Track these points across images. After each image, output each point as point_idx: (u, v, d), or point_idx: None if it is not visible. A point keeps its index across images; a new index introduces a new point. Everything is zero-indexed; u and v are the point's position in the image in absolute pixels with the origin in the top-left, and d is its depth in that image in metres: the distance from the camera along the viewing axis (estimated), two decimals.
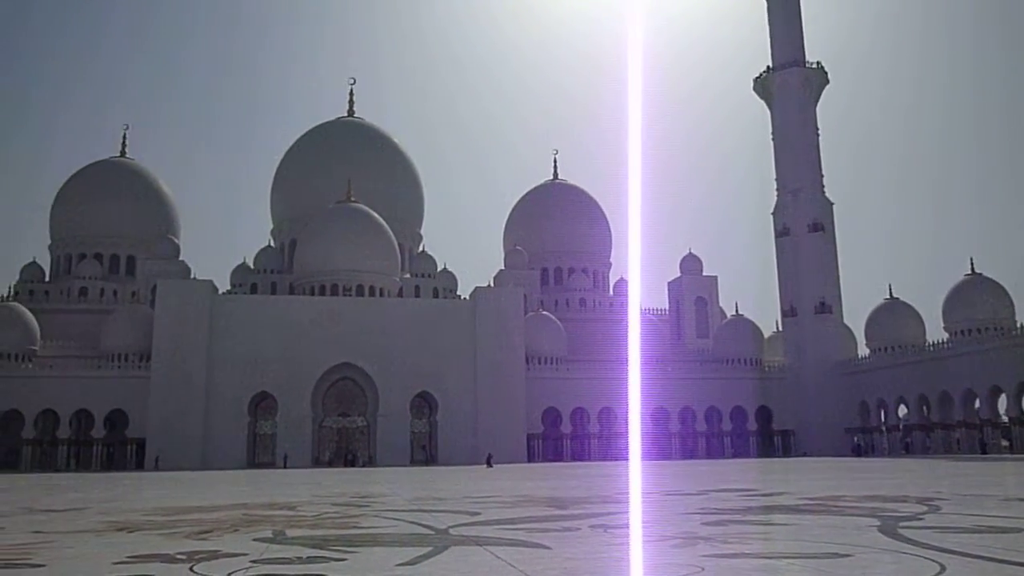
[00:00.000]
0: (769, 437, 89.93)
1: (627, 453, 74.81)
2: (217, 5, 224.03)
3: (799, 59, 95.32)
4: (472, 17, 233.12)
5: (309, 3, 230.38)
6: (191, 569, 7.28)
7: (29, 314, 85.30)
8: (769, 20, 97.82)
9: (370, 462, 78.05)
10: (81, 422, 79.46)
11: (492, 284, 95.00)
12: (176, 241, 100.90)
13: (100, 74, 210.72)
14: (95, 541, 9.93)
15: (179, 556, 8.16)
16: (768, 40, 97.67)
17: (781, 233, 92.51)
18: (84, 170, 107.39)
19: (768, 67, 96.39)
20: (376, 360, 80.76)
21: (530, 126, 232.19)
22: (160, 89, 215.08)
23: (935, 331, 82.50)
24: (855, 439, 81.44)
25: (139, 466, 75.24)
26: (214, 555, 8.25)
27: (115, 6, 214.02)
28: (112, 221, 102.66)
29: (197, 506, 16.56)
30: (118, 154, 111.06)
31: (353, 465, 74.63)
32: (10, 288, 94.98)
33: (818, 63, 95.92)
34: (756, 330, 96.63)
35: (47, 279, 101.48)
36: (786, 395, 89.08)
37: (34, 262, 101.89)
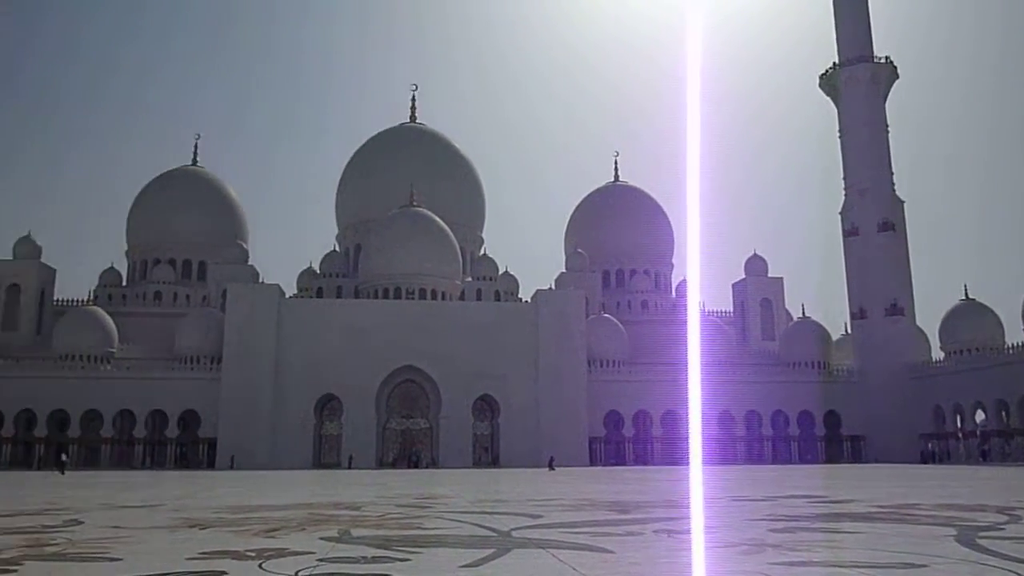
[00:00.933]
0: (838, 443, 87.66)
1: (689, 457, 73.97)
2: (281, 18, 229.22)
3: (867, 54, 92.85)
4: (532, 21, 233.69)
5: (370, 11, 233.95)
6: (260, 566, 7.44)
7: (108, 317, 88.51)
8: (835, 14, 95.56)
9: (433, 464, 78.71)
10: (156, 422, 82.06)
11: (553, 287, 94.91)
12: (245, 246, 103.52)
13: (171, 85, 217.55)
14: (169, 537, 10.23)
15: (248, 553, 8.35)
16: (834, 35, 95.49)
17: (849, 233, 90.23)
18: (158, 179, 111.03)
19: (834, 63, 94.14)
20: (439, 363, 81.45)
21: (591, 128, 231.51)
22: (228, 98, 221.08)
23: (1015, 333, 79.24)
24: (928, 445, 78.85)
25: (210, 465, 77.33)
26: (282, 553, 8.42)
27: (182, 20, 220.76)
28: (184, 227, 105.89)
29: (265, 505, 16.93)
30: (190, 162, 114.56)
31: (416, 466, 75.35)
32: (90, 292, 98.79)
33: (887, 58, 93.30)
34: (824, 332, 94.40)
35: (124, 284, 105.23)
36: (856, 399, 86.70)
37: (112, 267, 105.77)
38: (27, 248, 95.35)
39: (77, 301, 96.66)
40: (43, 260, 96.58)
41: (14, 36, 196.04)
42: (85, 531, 10.91)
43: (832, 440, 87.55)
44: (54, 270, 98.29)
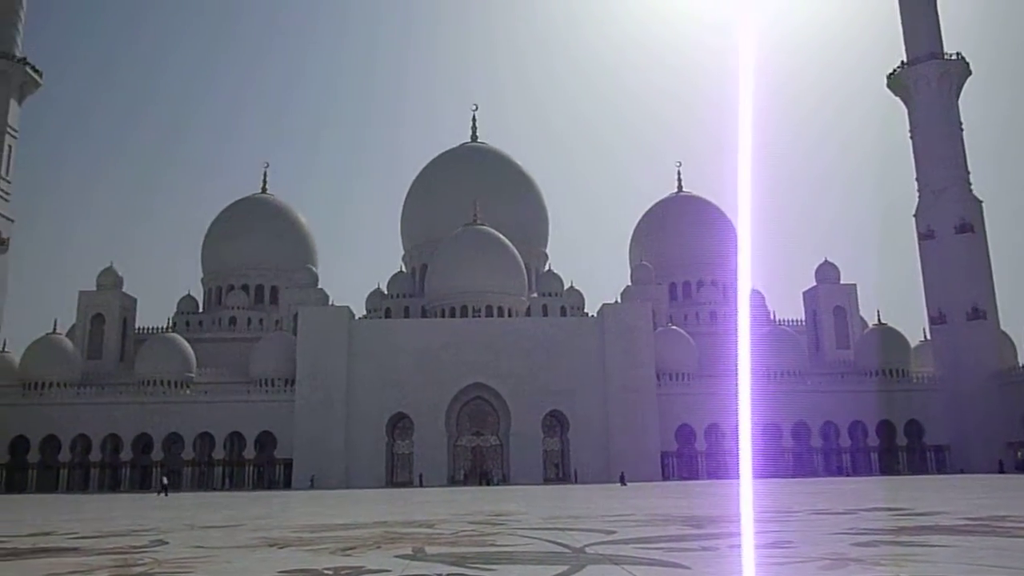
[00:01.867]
0: (921, 453, 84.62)
1: (764, 470, 72.36)
2: (341, 47, 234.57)
3: (936, 51, 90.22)
4: (588, 37, 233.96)
5: (430, 36, 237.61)
6: None
7: (186, 344, 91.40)
8: (901, 11, 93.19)
9: (504, 480, 78.71)
10: (234, 443, 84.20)
11: (619, 300, 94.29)
12: (314, 270, 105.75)
13: (239, 117, 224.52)
14: (249, 556, 10.46)
15: (326, 571, 8.48)
16: (901, 33, 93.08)
17: (925, 236, 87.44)
18: (230, 207, 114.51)
19: (902, 62, 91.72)
20: (507, 380, 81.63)
21: (653, 139, 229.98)
22: (294, 126, 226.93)
23: None
24: (1019, 454, 75.46)
25: (287, 485, 78.85)
26: (359, 571, 8.52)
27: (252, 54, 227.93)
28: (256, 254, 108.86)
29: (341, 524, 17.17)
30: (259, 190, 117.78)
31: (488, 483, 75.45)
32: (169, 320, 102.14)
33: (958, 54, 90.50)
34: (901, 339, 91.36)
35: (200, 310, 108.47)
36: (938, 408, 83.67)
37: (189, 295, 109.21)
38: (110, 279, 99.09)
39: (157, 328, 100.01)
40: (124, 290, 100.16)
41: (94, 82, 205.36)
42: (170, 551, 11.24)
43: (914, 450, 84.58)
44: (135, 299, 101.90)
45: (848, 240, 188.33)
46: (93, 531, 16.06)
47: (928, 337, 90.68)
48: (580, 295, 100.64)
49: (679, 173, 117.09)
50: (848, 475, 77.70)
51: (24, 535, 15.40)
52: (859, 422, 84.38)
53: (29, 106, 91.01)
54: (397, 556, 9.93)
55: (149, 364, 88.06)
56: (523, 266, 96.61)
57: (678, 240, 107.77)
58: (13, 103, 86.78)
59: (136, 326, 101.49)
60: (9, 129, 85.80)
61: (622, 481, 63.89)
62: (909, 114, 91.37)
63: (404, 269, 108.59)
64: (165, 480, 60.92)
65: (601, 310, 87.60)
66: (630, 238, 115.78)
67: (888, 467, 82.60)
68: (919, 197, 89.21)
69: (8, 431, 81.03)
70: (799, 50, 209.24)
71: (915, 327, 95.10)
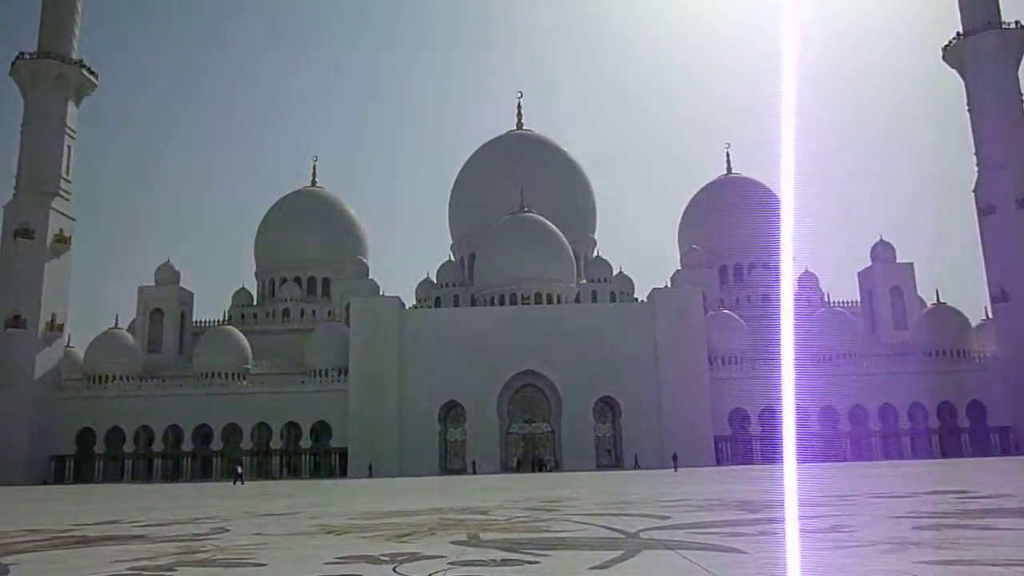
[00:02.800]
0: (984, 435, 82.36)
1: (821, 454, 71.21)
2: (389, 32, 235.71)
3: (994, 20, 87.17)
4: (634, 17, 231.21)
5: (474, 25, 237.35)
6: (394, 570, 7.65)
7: (242, 336, 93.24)
8: None
9: (556, 467, 78.86)
10: (291, 433, 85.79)
11: (669, 285, 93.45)
12: (365, 261, 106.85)
13: (289, 111, 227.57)
14: (308, 543, 10.67)
15: (382, 557, 8.60)
16: (956, 3, 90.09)
17: (986, 212, 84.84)
18: (281, 201, 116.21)
19: (958, 33, 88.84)
20: (558, 366, 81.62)
21: (700, 120, 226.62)
22: (342, 119, 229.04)
23: None
24: None
25: (343, 473, 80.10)
26: (414, 557, 8.63)
27: (300, 51, 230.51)
28: (308, 246, 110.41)
29: (396, 511, 17.39)
30: (309, 184, 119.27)
31: (541, 470, 75.66)
32: (225, 313, 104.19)
33: (1016, 22, 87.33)
34: (961, 318, 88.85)
35: (255, 303, 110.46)
36: (1002, 388, 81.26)
37: (243, 288, 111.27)
38: (167, 274, 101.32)
39: (213, 322, 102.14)
40: (181, 285, 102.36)
41: (145, 80, 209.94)
42: (232, 538, 11.52)
43: (977, 432, 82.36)
44: (192, 293, 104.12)
45: (904, 218, 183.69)
46: (157, 519, 16.54)
47: (990, 316, 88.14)
48: (629, 280, 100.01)
49: (728, 154, 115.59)
50: (908, 458, 76.10)
51: (92, 523, 15.93)
52: (918, 404, 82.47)
53: (85, 106, 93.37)
54: (452, 542, 10.03)
55: (207, 356, 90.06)
56: (571, 252, 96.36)
57: (728, 222, 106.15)
58: (71, 105, 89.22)
59: (193, 319, 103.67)
60: (67, 130, 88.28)
61: (674, 465, 63.59)
62: (966, 87, 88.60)
63: (453, 258, 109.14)
64: (240, 470, 62.66)
65: (651, 295, 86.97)
66: (679, 222, 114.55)
67: (950, 450, 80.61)
68: (978, 172, 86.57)
69: (75, 423, 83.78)
70: (850, 25, 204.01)
71: (976, 306, 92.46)
